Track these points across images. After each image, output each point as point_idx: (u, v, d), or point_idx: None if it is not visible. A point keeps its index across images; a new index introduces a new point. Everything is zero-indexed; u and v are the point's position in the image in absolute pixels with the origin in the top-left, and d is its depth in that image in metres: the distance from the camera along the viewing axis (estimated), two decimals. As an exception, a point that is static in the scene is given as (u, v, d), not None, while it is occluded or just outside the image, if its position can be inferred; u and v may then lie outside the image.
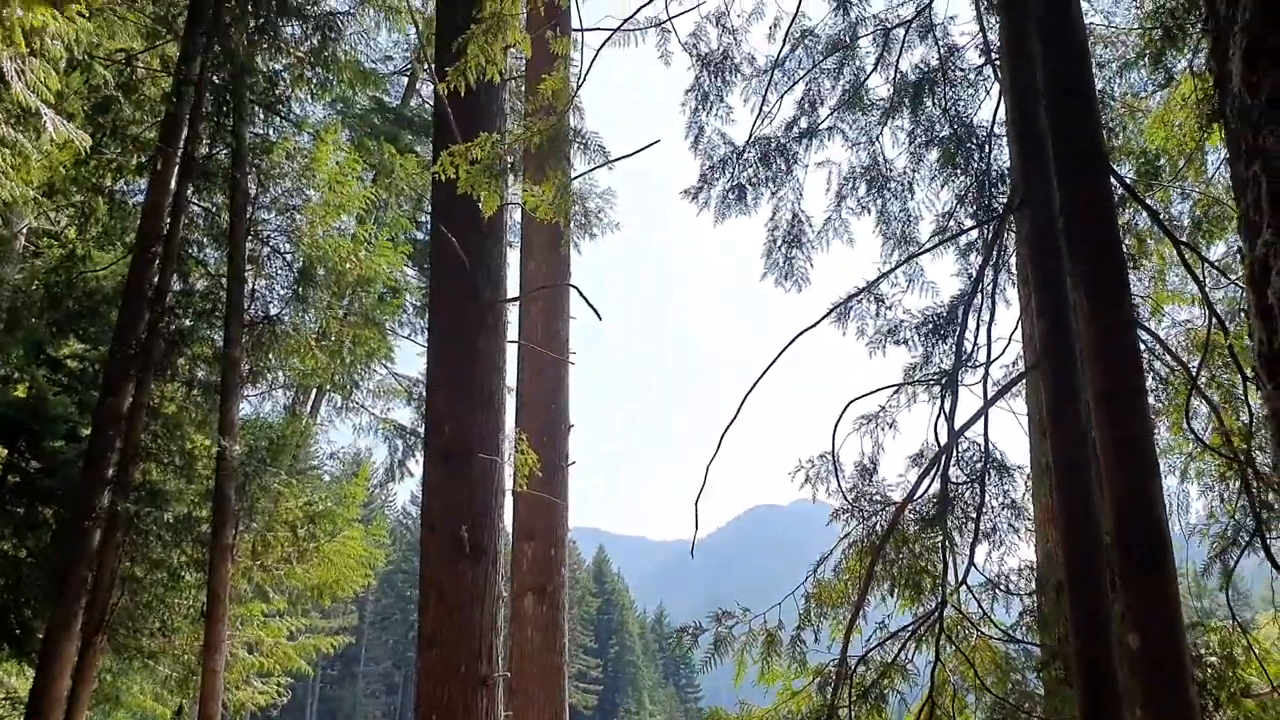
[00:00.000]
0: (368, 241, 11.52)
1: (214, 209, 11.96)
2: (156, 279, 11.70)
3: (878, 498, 4.66)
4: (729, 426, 4.71)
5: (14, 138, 9.17)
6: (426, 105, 17.95)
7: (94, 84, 12.12)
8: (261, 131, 11.99)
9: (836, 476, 4.82)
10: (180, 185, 11.63)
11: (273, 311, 11.36)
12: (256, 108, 12.28)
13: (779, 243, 6.04)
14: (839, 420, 4.90)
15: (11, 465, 16.17)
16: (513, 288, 9.60)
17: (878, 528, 4.49)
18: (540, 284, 9.53)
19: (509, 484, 8.32)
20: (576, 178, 7.66)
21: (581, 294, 8.74)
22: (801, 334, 4.57)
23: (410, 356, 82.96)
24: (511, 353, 9.04)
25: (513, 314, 8.90)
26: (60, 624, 10.78)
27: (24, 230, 15.51)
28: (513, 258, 9.70)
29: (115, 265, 13.42)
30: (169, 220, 11.71)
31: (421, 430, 13.73)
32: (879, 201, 5.77)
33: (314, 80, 12.39)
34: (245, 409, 11.52)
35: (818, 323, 4.85)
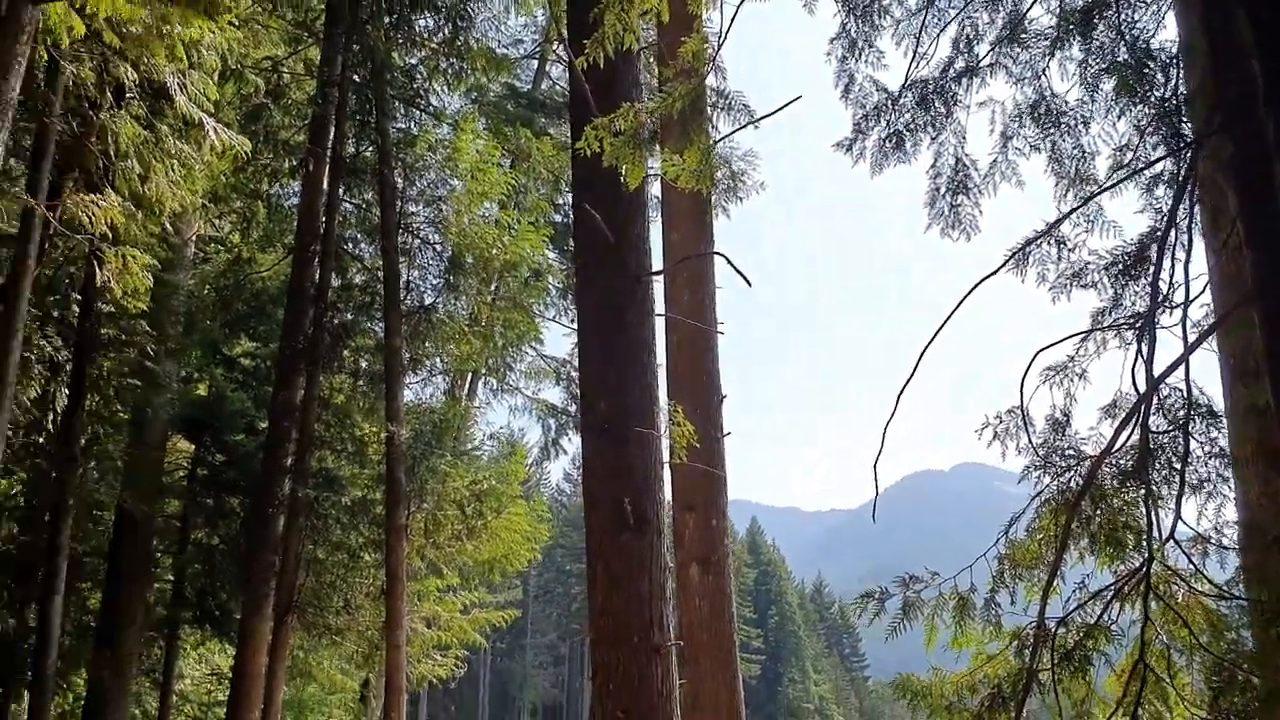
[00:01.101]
0: (510, 227, 11.71)
1: (364, 205, 12.37)
2: (317, 276, 12.22)
3: (1071, 452, 4.42)
4: (906, 384, 4.56)
5: (180, 149, 9.64)
6: (557, 87, 18.08)
7: (245, 93, 12.66)
8: (404, 126, 12.31)
9: (1027, 431, 4.59)
10: (332, 184, 12.09)
11: (427, 300, 11.72)
12: (397, 102, 12.61)
13: (943, 190, 5.78)
14: (1026, 372, 4.67)
15: (198, 459, 17.30)
16: (657, 260, 9.54)
17: (1072, 484, 4.26)
18: (685, 254, 9.46)
19: (666, 457, 8.29)
20: (718, 141, 7.54)
21: (729, 261, 8.59)
22: (982, 282, 4.38)
23: (557, 338, 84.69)
24: (660, 326, 8.98)
25: (659, 287, 8.86)
26: (253, 605, 11.46)
27: (193, 238, 16.43)
28: (655, 230, 9.68)
29: (277, 265, 14.09)
30: (324, 219, 12.20)
31: (573, 409, 13.98)
32: (1049, 139, 5.43)
33: (449, 71, 12.64)
34: (408, 395, 11.93)
35: (997, 270, 4.64)
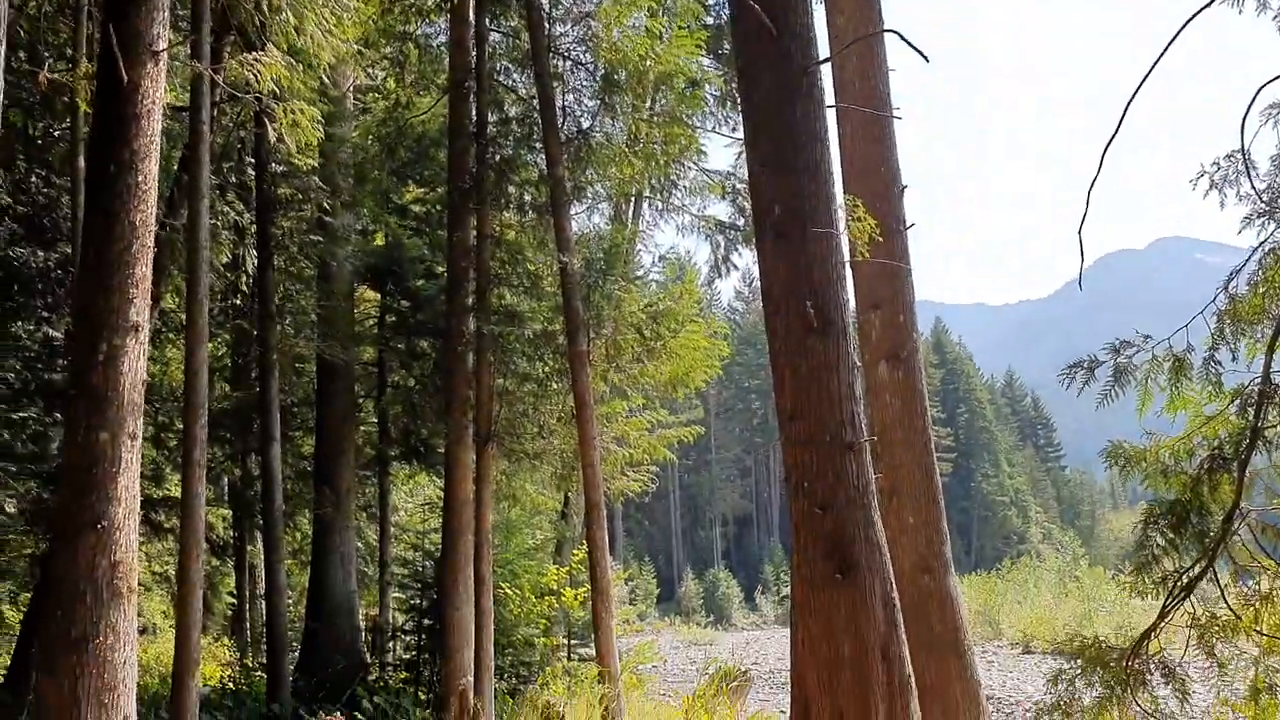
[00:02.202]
0: (661, 35, 11.27)
1: (512, 32, 12.13)
2: (474, 113, 12.21)
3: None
4: (1112, 139, 4.15)
5: (329, -4, 9.59)
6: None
7: (377, -69, 12.44)
8: (543, -58, 11.87)
9: (1248, 175, 4.13)
10: (478, 16, 11.88)
11: (584, 125, 11.54)
12: (534, -82, 12.12)
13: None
14: (1247, 111, 4.17)
15: (385, 306, 18.17)
16: (823, 47, 8.98)
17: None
18: (852, 38, 8.87)
19: (847, 255, 8.03)
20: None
21: (904, 38, 7.96)
22: (1198, 14, 3.86)
23: (718, 150, 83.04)
24: (831, 118, 8.53)
25: (826, 75, 8.38)
26: (455, 437, 12.11)
27: (350, 89, 16.69)
28: (819, 14, 9.10)
29: (434, 107, 14.15)
30: (474, 53, 12.07)
31: (741, 223, 13.75)
32: None
33: (583, -124, 11.99)
34: (575, 225, 11.96)
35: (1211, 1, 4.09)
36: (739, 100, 7.68)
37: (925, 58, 7.55)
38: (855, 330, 9.13)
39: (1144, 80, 3.96)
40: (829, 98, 8.18)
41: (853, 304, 9.22)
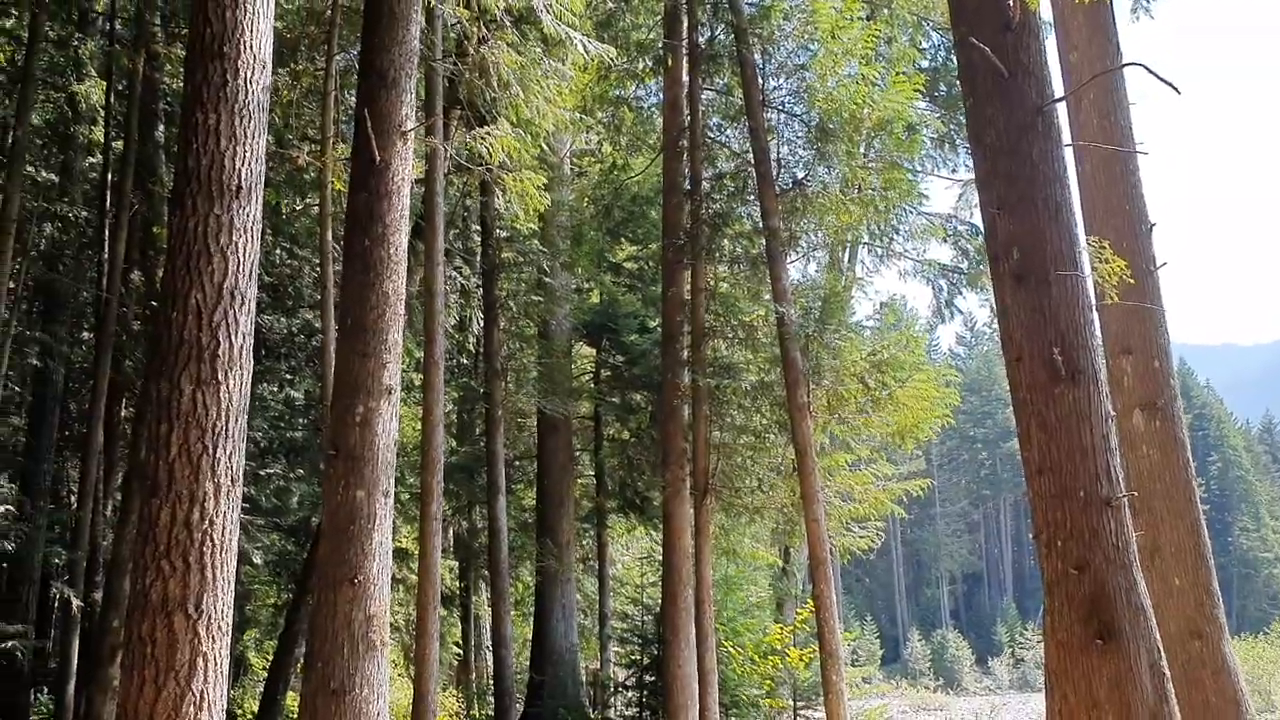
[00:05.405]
0: (877, 82, 11.09)
1: (724, 89, 12.29)
2: (687, 170, 12.40)
3: None
4: None
5: (552, 68, 9.99)
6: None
7: (593, 1, 12.90)
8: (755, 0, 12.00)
9: None
10: (691, 75, 12.10)
11: (798, 175, 11.47)
12: (747, -23, 12.28)
13: None
14: None
15: (601, 362, 18.63)
16: (1056, 86, 8.56)
17: None
18: (1088, 73, 8.41)
19: (1093, 298, 7.56)
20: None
21: (1149, 70, 7.49)
22: None
23: (937, 193, 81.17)
24: (1069, 157, 8.11)
25: (1062, 113, 7.97)
26: (672, 490, 12.14)
27: (567, 154, 17.39)
28: (1050, 50, 8.70)
29: (648, 167, 14.49)
30: (687, 111, 12.29)
31: (964, 265, 13.22)
32: None
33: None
34: (791, 274, 11.86)
35: None
36: (970, 143, 7.41)
37: (1176, 90, 7.06)
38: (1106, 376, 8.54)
39: None
40: (1065, 135, 7.77)
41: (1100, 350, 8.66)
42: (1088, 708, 5.49)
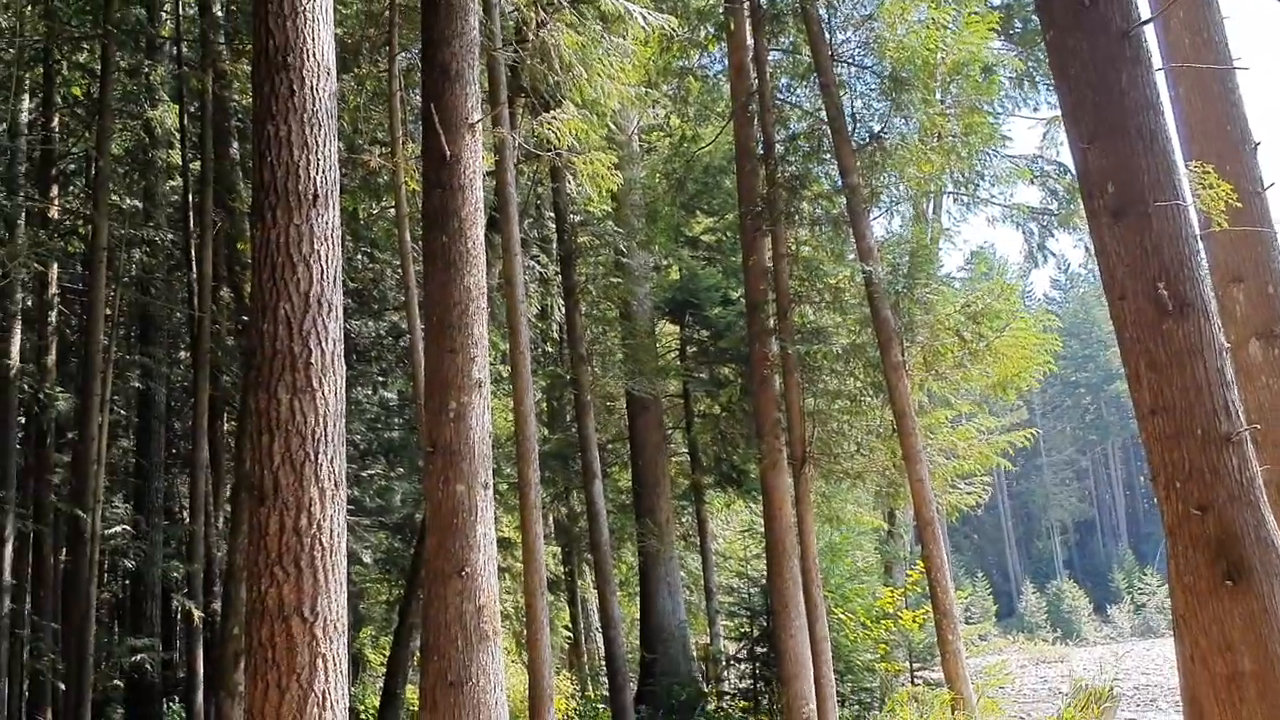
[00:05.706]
0: (948, 25, 10.69)
1: (791, 49, 12.01)
2: (760, 134, 12.16)
3: None
4: None
5: (614, 43, 9.87)
6: None
7: (646, -31, 12.69)
8: (819, -50, 11.67)
9: None
10: (756, 37, 11.85)
11: (875, 129, 11.15)
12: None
13: None
14: None
15: (686, 338, 18.49)
16: (1143, 8, 8.12)
17: None
18: (1176, -11, 7.94)
19: (1197, 227, 7.18)
20: None
21: (1244, -24, 7.02)
22: None
23: (1020, 133, 78.86)
24: (1161, 81, 7.69)
25: (1150, 36, 7.56)
26: (769, 462, 11.98)
27: (635, 131, 17.25)
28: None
29: (718, 136, 14.27)
30: (754, 75, 12.04)
31: (1054, 206, 12.73)
32: None
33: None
34: (875, 231, 11.56)
35: None
36: (1052, 77, 7.08)
37: (1278, -8, 6.64)
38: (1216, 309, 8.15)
39: None
40: (1156, 59, 7.37)
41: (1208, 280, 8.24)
42: (1221, 650, 5.25)
